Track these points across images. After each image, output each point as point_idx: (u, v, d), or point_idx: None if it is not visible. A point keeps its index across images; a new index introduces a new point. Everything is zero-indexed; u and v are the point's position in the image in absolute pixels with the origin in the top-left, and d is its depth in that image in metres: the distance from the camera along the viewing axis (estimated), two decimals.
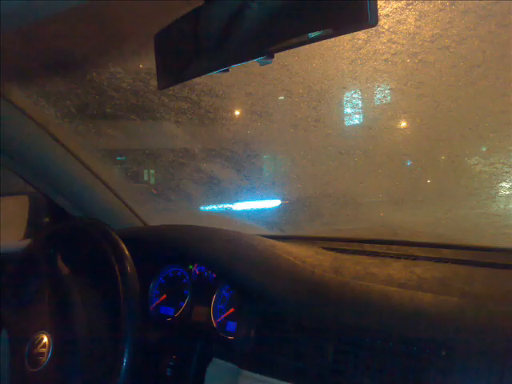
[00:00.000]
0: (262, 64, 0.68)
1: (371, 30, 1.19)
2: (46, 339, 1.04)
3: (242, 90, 1.58)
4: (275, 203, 1.91)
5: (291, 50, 0.64)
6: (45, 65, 1.40)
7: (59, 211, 1.50)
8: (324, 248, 1.28)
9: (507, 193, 1.28)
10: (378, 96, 1.48)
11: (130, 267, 1.04)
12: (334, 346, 0.90)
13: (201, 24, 0.72)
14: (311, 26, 0.58)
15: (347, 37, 1.25)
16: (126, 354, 0.95)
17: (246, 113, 1.75)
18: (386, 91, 1.45)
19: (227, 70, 0.73)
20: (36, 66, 1.39)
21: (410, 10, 1.14)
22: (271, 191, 1.93)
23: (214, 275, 1.28)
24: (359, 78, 1.43)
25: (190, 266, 1.33)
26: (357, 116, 1.57)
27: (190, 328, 1.26)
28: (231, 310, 1.20)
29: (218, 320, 1.21)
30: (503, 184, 1.28)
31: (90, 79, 1.48)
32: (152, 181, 2.24)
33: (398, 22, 1.16)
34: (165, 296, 1.35)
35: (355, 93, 1.52)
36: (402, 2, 1.12)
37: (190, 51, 0.76)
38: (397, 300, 0.89)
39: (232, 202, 1.99)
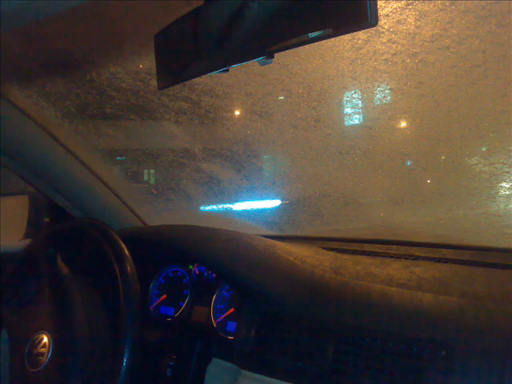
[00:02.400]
0: (262, 64, 0.68)
1: (371, 30, 1.19)
2: (45, 339, 1.04)
3: (241, 90, 1.58)
4: (275, 203, 1.91)
5: (291, 50, 0.64)
6: (45, 65, 1.40)
7: (59, 211, 1.50)
8: (324, 248, 1.27)
9: (507, 193, 1.28)
10: (377, 96, 1.48)
11: (130, 267, 1.04)
12: (333, 346, 0.90)
13: (201, 24, 0.72)
14: (311, 26, 0.58)
15: (347, 37, 1.25)
16: (125, 354, 0.95)
17: (245, 113, 1.75)
18: (386, 91, 1.45)
19: (227, 70, 0.73)
20: (36, 66, 1.39)
21: (410, 10, 1.14)
22: (271, 191, 1.93)
23: (214, 275, 1.28)
24: (359, 78, 1.43)
25: (190, 266, 1.33)
26: (357, 116, 1.57)
27: (190, 328, 1.26)
28: (231, 310, 1.20)
29: (218, 320, 1.21)
30: (503, 184, 1.28)
31: (90, 79, 1.48)
32: (152, 181, 2.24)
33: (398, 21, 1.16)
34: (165, 296, 1.35)
35: (355, 93, 1.52)
36: (402, 2, 1.12)
37: (189, 51, 0.76)
38: (397, 300, 0.89)
39: (232, 202, 1.99)
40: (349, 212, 1.69)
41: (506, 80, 1.18)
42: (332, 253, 1.22)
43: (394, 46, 1.23)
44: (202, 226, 1.36)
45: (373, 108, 1.54)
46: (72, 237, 1.21)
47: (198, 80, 1.49)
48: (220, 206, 2.02)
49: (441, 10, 1.13)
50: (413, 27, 1.17)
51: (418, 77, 1.30)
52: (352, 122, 1.60)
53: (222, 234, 1.29)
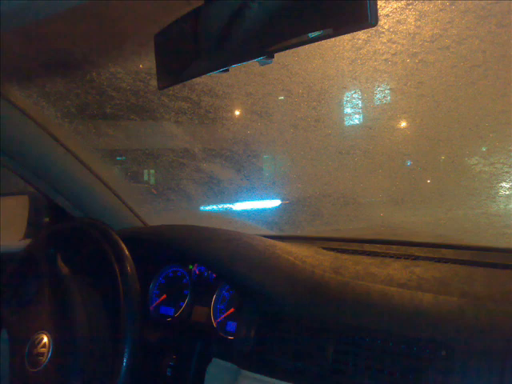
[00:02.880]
0: (262, 64, 0.68)
1: (371, 30, 1.19)
2: (45, 339, 1.04)
3: (241, 90, 1.58)
4: (275, 203, 1.91)
5: (291, 50, 0.64)
6: (45, 65, 1.40)
7: (59, 211, 1.50)
8: (324, 248, 1.27)
9: (507, 193, 1.28)
10: (377, 96, 1.48)
11: (130, 267, 1.04)
12: (333, 346, 0.90)
13: (201, 24, 0.72)
14: (311, 26, 0.58)
15: (347, 37, 1.25)
16: (125, 354, 0.95)
17: (246, 113, 1.75)
18: (386, 91, 1.45)
19: (227, 70, 0.73)
20: (36, 66, 1.39)
21: (410, 9, 1.14)
22: (271, 191, 1.93)
23: (214, 275, 1.28)
24: (359, 78, 1.43)
25: (190, 266, 1.33)
26: (357, 116, 1.57)
27: (190, 328, 1.26)
28: (231, 310, 1.20)
29: (218, 320, 1.21)
30: (503, 184, 1.28)
31: (90, 79, 1.48)
32: (152, 181, 2.24)
33: (398, 21, 1.16)
34: (165, 296, 1.35)
35: (355, 93, 1.52)
36: (402, 2, 1.12)
37: (189, 51, 0.76)
38: (397, 300, 0.89)
39: (232, 202, 1.99)
40: (349, 212, 1.69)
41: (506, 80, 1.18)
42: (332, 253, 1.22)
43: (394, 46, 1.23)
44: (202, 226, 1.36)
45: (373, 108, 1.54)
46: (72, 237, 1.21)
47: (198, 80, 1.49)
48: (220, 206, 2.02)
49: (441, 9, 1.13)
50: (413, 27, 1.17)
51: (418, 77, 1.30)
52: (352, 122, 1.60)
53: (222, 234, 1.29)
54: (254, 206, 1.91)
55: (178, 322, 1.28)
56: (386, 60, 1.28)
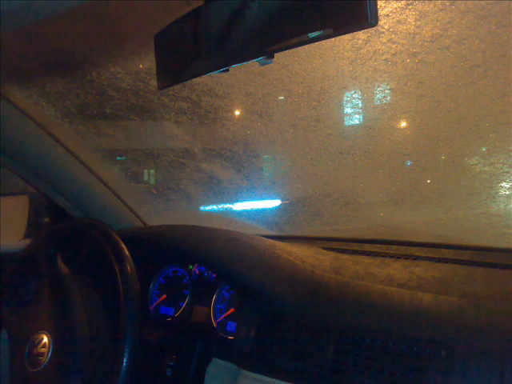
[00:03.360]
0: (262, 64, 0.69)
1: (371, 30, 1.19)
2: (45, 339, 1.04)
3: (241, 90, 1.58)
4: (275, 203, 1.91)
5: (291, 50, 0.64)
6: (45, 65, 1.40)
7: (59, 211, 1.50)
8: (324, 248, 1.27)
9: (507, 193, 1.28)
10: (377, 96, 1.48)
11: (130, 267, 1.04)
12: (333, 346, 0.90)
13: (201, 24, 0.72)
14: (311, 26, 0.59)
15: (347, 37, 1.25)
16: (125, 354, 0.95)
17: (245, 113, 1.75)
18: (386, 91, 1.45)
19: (227, 70, 0.73)
20: (36, 66, 1.39)
21: (410, 10, 1.14)
22: (271, 191, 1.93)
23: (214, 275, 1.28)
24: (359, 78, 1.43)
25: (190, 266, 1.33)
26: (357, 116, 1.57)
27: (190, 328, 1.26)
28: (231, 310, 1.20)
29: (218, 320, 1.21)
30: (503, 184, 1.28)
31: (90, 79, 1.49)
32: (152, 181, 2.24)
33: (398, 21, 1.16)
34: (165, 296, 1.35)
35: (355, 93, 1.52)
36: (402, 2, 1.12)
37: (189, 51, 0.76)
38: (397, 300, 0.89)
39: (232, 202, 1.99)
40: (349, 212, 1.69)
41: (506, 80, 1.18)
42: (332, 253, 1.22)
43: (394, 46, 1.23)
44: (202, 226, 1.36)
45: (373, 108, 1.54)
46: (72, 237, 1.21)
47: (198, 80, 1.49)
48: (220, 206, 2.02)
49: (441, 9, 1.13)
50: (413, 27, 1.17)
51: (418, 77, 1.30)
52: (352, 122, 1.60)
53: (222, 234, 1.29)
54: (254, 206, 1.91)
55: (178, 321, 1.28)
56: (385, 60, 1.28)
